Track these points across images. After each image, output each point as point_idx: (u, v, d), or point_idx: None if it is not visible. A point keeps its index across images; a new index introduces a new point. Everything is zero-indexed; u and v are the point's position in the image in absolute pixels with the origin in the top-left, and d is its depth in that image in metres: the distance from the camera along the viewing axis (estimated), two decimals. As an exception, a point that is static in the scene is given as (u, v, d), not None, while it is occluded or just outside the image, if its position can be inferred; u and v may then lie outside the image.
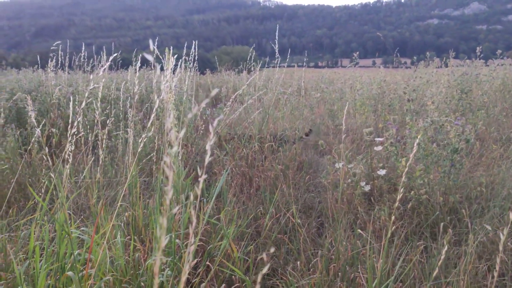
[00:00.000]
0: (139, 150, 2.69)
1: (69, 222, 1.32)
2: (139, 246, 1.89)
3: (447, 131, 2.79)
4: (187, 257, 0.73)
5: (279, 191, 3.13)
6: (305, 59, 5.36)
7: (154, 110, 1.59)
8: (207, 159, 0.60)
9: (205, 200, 2.85)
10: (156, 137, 4.13)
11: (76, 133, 1.49)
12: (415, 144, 1.21)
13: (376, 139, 3.12)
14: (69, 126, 1.44)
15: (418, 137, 1.54)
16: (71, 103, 1.47)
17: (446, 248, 1.37)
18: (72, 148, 1.47)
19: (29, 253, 1.71)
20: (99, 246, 1.42)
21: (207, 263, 1.73)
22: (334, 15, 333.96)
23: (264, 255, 0.94)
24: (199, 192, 0.60)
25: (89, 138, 3.13)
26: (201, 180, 0.59)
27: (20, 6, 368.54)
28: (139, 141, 2.32)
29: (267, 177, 3.35)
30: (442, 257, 1.37)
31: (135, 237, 2.00)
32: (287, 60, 5.01)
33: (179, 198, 2.48)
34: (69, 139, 1.41)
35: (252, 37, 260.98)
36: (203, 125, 4.01)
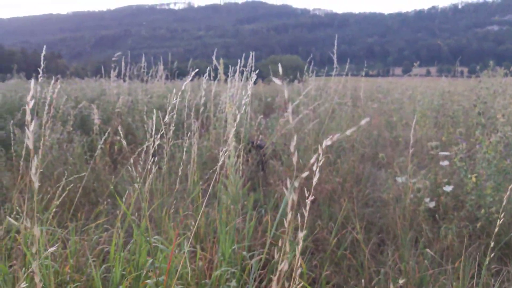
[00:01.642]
0: (196, 158, 2.74)
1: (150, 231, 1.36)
2: (202, 255, 1.91)
3: (521, 146, 2.62)
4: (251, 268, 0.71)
5: (336, 205, 3.06)
6: (364, 68, 5.25)
7: (212, 121, 1.61)
8: (315, 179, 0.59)
9: (263, 210, 2.85)
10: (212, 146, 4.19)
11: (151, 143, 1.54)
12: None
13: (441, 153, 2.98)
14: (152, 137, 1.48)
15: (489, 152, 1.44)
16: (154, 116, 1.52)
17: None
18: (154, 158, 1.52)
19: (100, 257, 1.78)
20: (168, 255, 1.44)
21: (271, 276, 1.72)
22: (386, 23, 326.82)
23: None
24: (306, 214, 0.59)
25: (151, 146, 3.23)
26: (308, 201, 0.58)
27: (81, 18, 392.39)
28: (193, 149, 2.37)
29: (324, 189, 3.29)
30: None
31: (197, 246, 2.03)
32: (338, 69, 4.93)
33: (236, 208, 2.49)
34: (151, 150, 1.46)
35: (301, 46, 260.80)
36: (259, 135, 4.03)
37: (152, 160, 1.50)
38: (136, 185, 1.48)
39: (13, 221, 1.13)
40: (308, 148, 3.70)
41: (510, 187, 1.28)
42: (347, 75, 5.48)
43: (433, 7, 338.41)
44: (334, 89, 4.30)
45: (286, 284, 0.77)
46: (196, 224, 2.07)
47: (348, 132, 0.56)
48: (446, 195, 2.79)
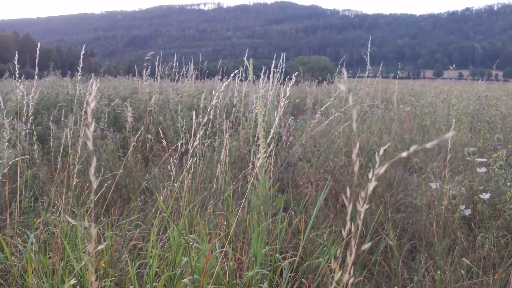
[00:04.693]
0: (227, 158, 2.75)
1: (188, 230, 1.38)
2: (232, 255, 1.91)
3: None
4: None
5: (369, 210, 3.02)
6: (399, 71, 5.15)
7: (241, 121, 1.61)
8: (371, 187, 0.58)
9: (292, 212, 2.84)
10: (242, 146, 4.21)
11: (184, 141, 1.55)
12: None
13: (477, 159, 2.89)
14: (192, 137, 1.50)
15: None
16: (193, 116, 1.53)
17: None
18: (189, 159, 1.54)
19: (133, 253, 1.81)
20: (203, 254, 1.46)
21: (302, 280, 1.71)
22: (417, 24, 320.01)
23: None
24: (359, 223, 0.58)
25: (189, 146, 3.27)
26: (362, 210, 0.57)
27: (114, 18, 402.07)
28: (224, 149, 2.38)
29: (355, 193, 3.24)
30: None
31: (228, 245, 2.04)
32: (370, 70, 4.86)
33: (266, 209, 2.49)
34: (191, 150, 1.47)
35: (329, 47, 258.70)
36: (290, 136, 4.01)
37: (189, 160, 1.51)
38: (174, 184, 1.49)
39: (66, 217, 1.16)
40: (338, 151, 3.66)
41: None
42: (378, 77, 5.40)
43: (467, 9, 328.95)
44: (366, 92, 4.24)
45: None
46: (227, 223, 2.08)
47: (428, 145, 0.54)
48: (483, 203, 2.70)
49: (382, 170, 0.57)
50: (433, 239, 2.41)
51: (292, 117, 4.31)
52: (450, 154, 2.18)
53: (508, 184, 2.41)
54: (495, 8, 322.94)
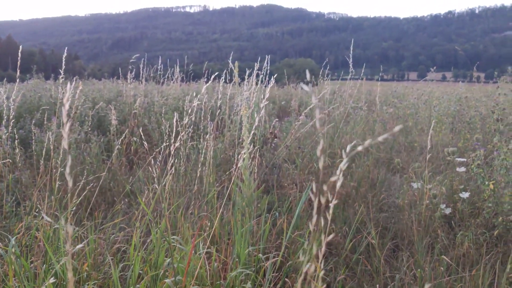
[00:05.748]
0: (211, 160, 2.76)
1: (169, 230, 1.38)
2: (217, 256, 1.92)
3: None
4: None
5: (350, 209, 3.06)
6: (381, 73, 5.22)
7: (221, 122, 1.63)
8: (339, 183, 0.60)
9: (277, 213, 2.86)
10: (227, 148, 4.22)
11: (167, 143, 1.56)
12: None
13: (457, 159, 2.96)
14: (173, 139, 1.51)
15: (507, 159, 1.43)
16: (174, 119, 1.54)
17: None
18: (174, 160, 1.54)
19: (117, 256, 1.81)
20: (186, 255, 1.47)
21: (286, 279, 1.73)
22: (401, 27, 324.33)
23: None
24: (329, 218, 0.60)
25: (170, 148, 3.27)
26: (331, 205, 0.59)
27: (99, 20, 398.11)
28: (209, 151, 2.39)
29: (338, 193, 3.28)
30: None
31: (212, 247, 2.05)
32: (353, 73, 4.92)
33: (251, 210, 2.50)
34: (172, 152, 1.48)
35: (315, 50, 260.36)
36: (274, 138, 4.04)
37: (171, 162, 1.52)
38: (156, 186, 1.50)
39: (47, 218, 1.16)
40: (322, 152, 3.70)
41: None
42: (362, 79, 5.46)
43: (450, 12, 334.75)
44: (349, 93, 4.29)
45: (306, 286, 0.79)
46: (211, 225, 2.09)
47: (380, 138, 0.57)
48: (463, 202, 2.76)
49: (345, 166, 0.59)
50: (415, 237, 2.46)
51: (277, 119, 4.34)
52: (429, 154, 2.23)
53: (486, 183, 2.48)
54: (477, 11, 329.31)
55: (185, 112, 2.66)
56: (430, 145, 2.69)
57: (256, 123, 1.58)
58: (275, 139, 4.14)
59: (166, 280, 1.26)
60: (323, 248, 0.65)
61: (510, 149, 2.54)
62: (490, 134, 3.58)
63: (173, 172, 1.60)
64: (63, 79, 2.39)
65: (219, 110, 3.49)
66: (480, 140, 3.16)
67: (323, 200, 0.64)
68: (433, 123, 1.93)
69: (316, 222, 0.58)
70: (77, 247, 0.71)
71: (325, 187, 0.56)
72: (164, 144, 2.46)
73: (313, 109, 4.78)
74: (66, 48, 2.65)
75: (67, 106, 0.59)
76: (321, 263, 0.67)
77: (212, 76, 2.65)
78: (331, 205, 0.59)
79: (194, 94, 1.88)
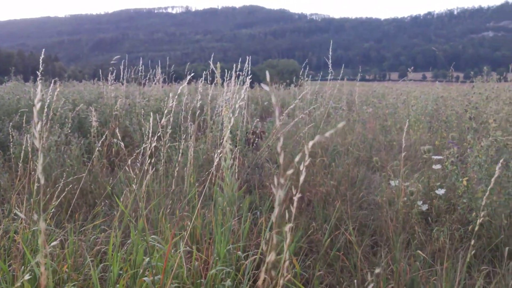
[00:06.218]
0: (192, 160, 2.77)
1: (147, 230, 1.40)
2: (198, 255, 1.94)
3: (511, 151, 2.67)
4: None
5: (330, 207, 3.11)
6: (359, 73, 5.32)
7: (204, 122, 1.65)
8: (302, 178, 0.63)
9: (258, 212, 2.89)
10: (209, 149, 4.23)
11: (147, 145, 1.58)
12: (497, 168, 1.18)
13: (433, 157, 3.03)
14: (149, 139, 1.52)
15: (480, 156, 1.49)
16: (151, 119, 1.56)
17: None
18: (151, 160, 1.56)
19: (97, 257, 1.81)
20: (164, 254, 1.48)
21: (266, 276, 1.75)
22: (382, 28, 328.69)
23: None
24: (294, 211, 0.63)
25: (147, 148, 3.27)
26: (295, 198, 0.62)
27: (79, 21, 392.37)
28: (190, 152, 2.40)
29: (319, 192, 3.33)
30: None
31: (194, 246, 2.06)
32: (333, 73, 4.99)
33: (232, 210, 2.53)
34: (148, 152, 1.50)
35: (298, 50, 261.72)
36: (255, 138, 4.07)
37: (148, 162, 1.54)
38: (133, 186, 1.51)
39: (20, 213, 1.17)
40: (282, 149, 3.75)
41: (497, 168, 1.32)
42: (342, 79, 5.54)
43: (429, 13, 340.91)
44: (329, 94, 4.36)
45: (277, 281, 0.82)
46: (191, 224, 2.11)
47: (327, 134, 0.60)
48: (439, 199, 2.84)
49: (307, 162, 0.63)
50: (392, 234, 2.52)
51: (258, 120, 4.37)
52: (404, 152, 2.29)
53: (460, 179, 2.56)
54: (455, 12, 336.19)
55: (165, 113, 2.67)
56: (406, 143, 2.76)
57: (232, 123, 1.60)
58: (257, 139, 4.17)
59: (145, 279, 1.28)
60: (288, 240, 0.68)
61: (483, 147, 2.62)
62: (466, 132, 3.69)
63: (150, 173, 1.61)
64: (40, 81, 2.38)
65: (198, 111, 3.50)
66: (455, 138, 3.25)
67: (275, 190, 0.67)
68: (407, 122, 1.99)
69: (277, 215, 0.61)
70: (51, 244, 0.72)
71: (282, 180, 0.59)
72: (144, 145, 2.47)
73: (295, 109, 4.83)
74: (44, 49, 2.63)
75: (38, 106, 0.61)
76: (286, 253, 0.70)
77: (189, 77, 2.67)
78: (295, 198, 0.62)
79: (171, 95, 1.89)
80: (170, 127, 4.17)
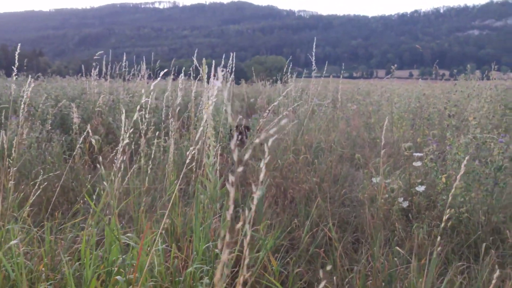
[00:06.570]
0: (175, 158, 2.76)
1: (119, 228, 1.38)
2: (178, 253, 1.93)
3: (490, 148, 2.71)
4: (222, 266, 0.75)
5: (313, 204, 3.12)
6: (342, 70, 5.33)
7: (192, 120, 1.64)
8: (262, 175, 0.63)
9: (240, 210, 2.88)
10: (193, 146, 4.20)
11: (114, 141, 1.56)
12: (462, 165, 1.19)
13: (415, 154, 3.07)
14: (122, 136, 1.51)
15: (459, 153, 1.51)
16: (123, 115, 1.54)
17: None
18: (124, 157, 1.54)
19: (75, 255, 1.79)
20: (144, 252, 1.47)
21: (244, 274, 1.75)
22: (370, 26, 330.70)
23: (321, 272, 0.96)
24: (231, 200, 0.62)
25: (130, 146, 3.23)
26: (255, 196, 0.62)
27: (64, 16, 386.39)
28: (173, 149, 2.38)
29: (302, 189, 3.34)
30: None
31: (174, 245, 2.05)
32: (320, 70, 5.01)
33: (214, 207, 2.52)
34: (121, 149, 1.48)
35: (286, 47, 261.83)
36: (239, 136, 4.06)
37: (121, 159, 1.52)
38: (105, 184, 1.50)
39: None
40: (287, 149, 3.75)
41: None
42: (328, 76, 5.56)
43: (416, 11, 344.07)
44: (313, 91, 4.37)
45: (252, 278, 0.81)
46: (171, 222, 2.10)
47: (271, 131, 0.60)
48: (419, 195, 2.87)
49: (267, 159, 0.62)
50: (370, 231, 2.54)
51: (241, 116, 4.36)
52: (384, 150, 2.31)
53: (439, 176, 2.59)
54: (441, 10, 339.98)
55: (147, 109, 2.64)
56: (389, 141, 2.77)
57: (204, 121, 1.58)
58: (240, 136, 4.16)
59: (117, 277, 1.27)
60: (248, 237, 0.68)
61: (461, 144, 2.66)
62: (446, 130, 3.73)
63: (122, 168, 1.59)
64: (16, 76, 2.33)
65: (178, 108, 3.47)
66: (436, 135, 3.29)
67: (232, 192, 0.66)
68: (388, 119, 2.02)
69: (231, 211, 0.61)
70: (11, 243, 0.70)
71: (232, 178, 0.59)
72: (124, 142, 2.44)
73: (279, 106, 4.83)
74: (19, 44, 2.57)
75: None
76: (247, 251, 0.70)
77: (163, 72, 2.64)
78: (255, 196, 0.62)
79: (142, 91, 1.87)
80: (152, 124, 4.14)
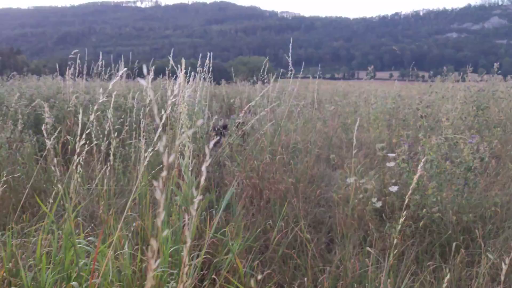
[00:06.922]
0: (151, 159, 2.70)
1: (76, 231, 1.34)
2: (147, 256, 1.89)
3: (461, 149, 2.75)
4: (190, 270, 0.73)
5: (289, 205, 3.11)
6: (318, 71, 5.35)
7: (164, 119, 1.61)
8: (202, 179, 0.61)
9: (214, 211, 2.85)
10: (168, 147, 4.15)
11: (88, 142, 1.51)
12: (422, 161, 1.20)
13: (389, 154, 3.09)
14: (79, 137, 1.46)
15: (430, 154, 1.52)
16: (80, 114, 1.49)
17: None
18: (82, 158, 1.50)
19: (36, 260, 1.73)
20: (106, 256, 1.43)
21: (213, 276, 1.73)
22: (351, 27, 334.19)
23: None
24: (196, 200, 0.60)
25: (102, 146, 3.16)
26: (195, 201, 0.60)
27: (43, 14, 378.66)
28: (149, 150, 2.33)
29: (278, 189, 3.33)
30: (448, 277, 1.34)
31: (143, 247, 2.01)
32: (302, 71, 5.02)
33: (188, 209, 2.48)
34: (77, 150, 1.44)
35: (269, 48, 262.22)
36: (216, 136, 4.03)
37: (77, 161, 1.48)
38: (59, 186, 1.45)
39: None
40: (263, 149, 3.74)
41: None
42: (307, 77, 5.58)
43: (397, 14, 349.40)
44: (289, 92, 4.37)
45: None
46: (141, 224, 2.06)
47: (189, 132, 0.58)
48: (392, 195, 2.89)
49: (208, 162, 0.60)
50: (343, 231, 2.55)
51: (216, 116, 4.33)
52: (356, 150, 2.32)
53: (411, 176, 2.61)
54: (421, 13, 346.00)
55: (128, 110, 2.60)
56: (365, 141, 2.78)
57: (182, 120, 1.56)
58: (216, 136, 4.13)
59: (72, 283, 1.23)
60: (188, 244, 0.66)
61: (433, 144, 2.69)
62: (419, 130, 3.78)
63: (103, 171, 1.55)
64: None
65: (148, 108, 3.42)
66: (410, 136, 3.32)
67: (159, 195, 0.64)
68: (357, 121, 2.04)
69: (159, 215, 0.58)
70: None
71: (155, 183, 0.56)
72: (95, 142, 2.38)
73: (256, 106, 4.82)
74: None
75: None
76: (186, 257, 0.67)
77: (122, 71, 2.59)
78: (195, 200, 0.60)
79: (101, 90, 1.83)
80: (126, 124, 4.07)
